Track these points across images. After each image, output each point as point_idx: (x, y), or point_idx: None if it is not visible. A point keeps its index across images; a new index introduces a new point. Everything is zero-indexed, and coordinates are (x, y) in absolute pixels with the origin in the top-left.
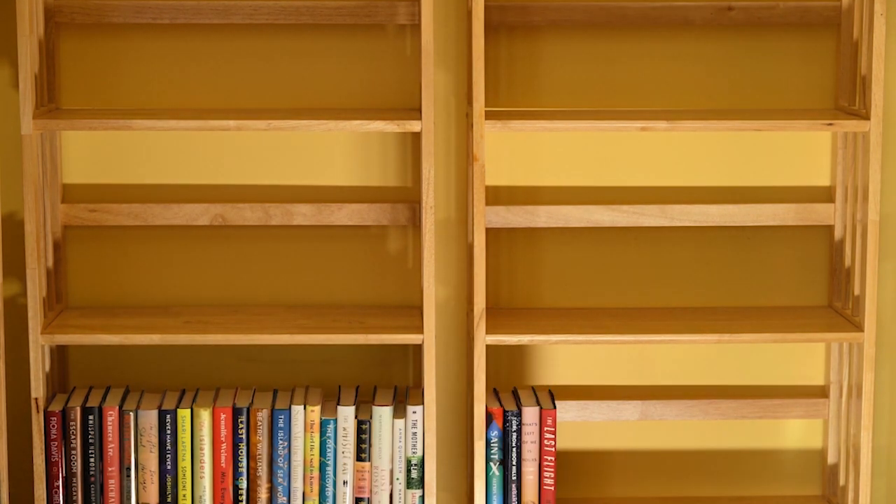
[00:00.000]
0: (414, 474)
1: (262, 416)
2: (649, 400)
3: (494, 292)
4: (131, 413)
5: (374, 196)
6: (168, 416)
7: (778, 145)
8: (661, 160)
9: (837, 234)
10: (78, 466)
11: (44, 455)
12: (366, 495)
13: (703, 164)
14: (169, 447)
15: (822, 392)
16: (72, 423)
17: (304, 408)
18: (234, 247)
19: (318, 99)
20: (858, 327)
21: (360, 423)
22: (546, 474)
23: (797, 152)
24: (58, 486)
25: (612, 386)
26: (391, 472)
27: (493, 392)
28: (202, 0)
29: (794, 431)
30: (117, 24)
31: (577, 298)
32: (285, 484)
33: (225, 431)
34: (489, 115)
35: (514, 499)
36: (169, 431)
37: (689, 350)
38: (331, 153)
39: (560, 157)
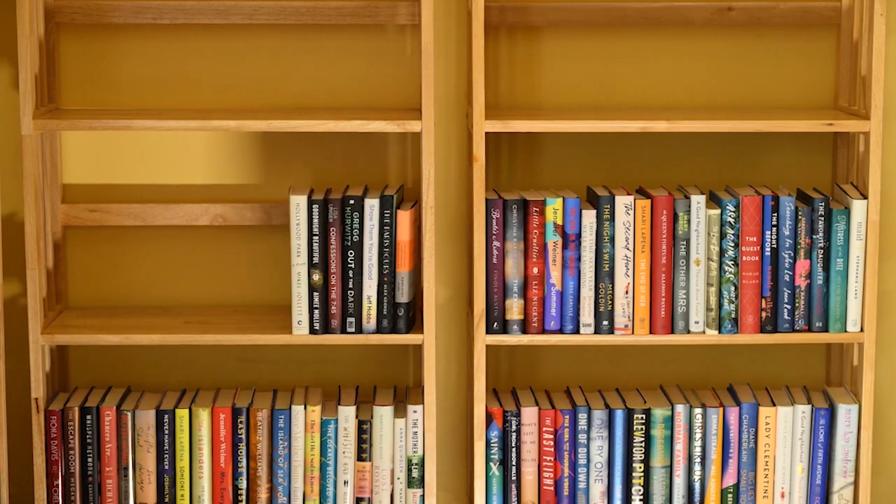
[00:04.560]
0: (415, 474)
1: (262, 416)
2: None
3: None
4: (128, 413)
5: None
6: (166, 416)
7: (778, 145)
8: (660, 160)
9: None
10: (76, 466)
11: (44, 455)
12: (367, 495)
13: (702, 164)
14: (167, 447)
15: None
16: (70, 423)
17: (305, 408)
18: (234, 247)
19: (318, 99)
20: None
21: (360, 423)
22: (546, 474)
23: (797, 152)
24: (57, 486)
25: (611, 386)
26: (392, 471)
27: (493, 392)
28: (202, 0)
29: None
30: (117, 24)
31: None
32: (285, 484)
33: (224, 431)
34: (489, 115)
35: (514, 499)
36: (167, 431)
37: (689, 350)
38: (331, 153)
39: (560, 157)
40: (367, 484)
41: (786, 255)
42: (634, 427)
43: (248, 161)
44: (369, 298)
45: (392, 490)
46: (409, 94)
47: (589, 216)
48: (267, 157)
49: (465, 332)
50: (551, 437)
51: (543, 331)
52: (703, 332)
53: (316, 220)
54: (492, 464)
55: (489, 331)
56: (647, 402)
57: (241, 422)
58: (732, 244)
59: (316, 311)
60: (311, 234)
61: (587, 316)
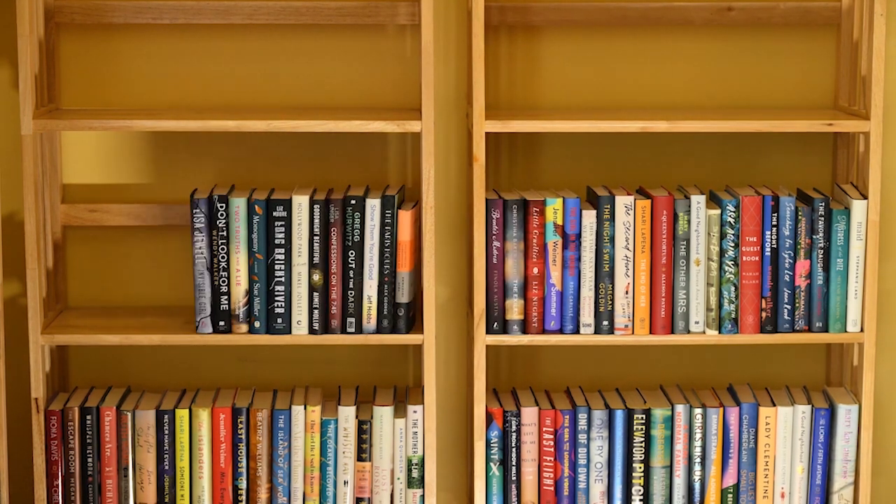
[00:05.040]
0: (415, 474)
1: (262, 417)
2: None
3: None
4: (128, 413)
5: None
6: (166, 416)
7: (778, 145)
8: (660, 160)
9: None
10: (76, 466)
11: (44, 455)
12: (366, 495)
13: (702, 164)
14: (167, 447)
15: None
16: (70, 424)
17: (305, 408)
18: None
19: (318, 99)
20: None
21: (360, 423)
22: (546, 474)
23: (797, 152)
24: (57, 486)
25: (611, 386)
26: (392, 471)
27: (493, 392)
28: (202, 0)
29: None
30: (117, 24)
31: None
32: (285, 484)
33: (224, 432)
34: (489, 115)
35: (514, 499)
36: (167, 431)
37: (689, 350)
38: (330, 153)
39: (560, 157)
40: (367, 484)
41: (786, 255)
42: (634, 427)
43: (249, 161)
44: (370, 298)
45: (392, 490)
46: (409, 94)
47: (589, 216)
48: (267, 157)
49: (465, 332)
50: (551, 437)
51: (543, 331)
52: (703, 333)
53: (317, 220)
54: (492, 464)
55: (489, 331)
56: (647, 402)
57: (241, 422)
58: (732, 244)
59: (316, 312)
60: (311, 234)
61: (587, 316)
